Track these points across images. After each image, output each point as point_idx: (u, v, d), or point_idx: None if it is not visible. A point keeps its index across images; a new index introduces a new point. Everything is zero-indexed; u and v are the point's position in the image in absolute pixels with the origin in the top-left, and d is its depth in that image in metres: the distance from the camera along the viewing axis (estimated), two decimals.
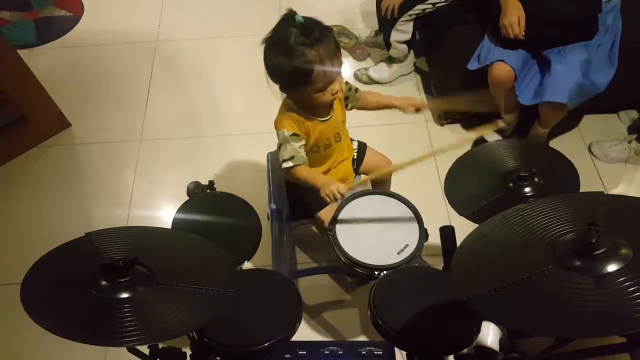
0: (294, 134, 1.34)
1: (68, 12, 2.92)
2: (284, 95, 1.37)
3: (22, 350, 1.78)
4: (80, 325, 0.84)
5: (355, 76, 2.53)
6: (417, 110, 1.47)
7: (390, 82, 2.49)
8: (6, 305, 1.81)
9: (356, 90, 1.50)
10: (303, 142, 1.37)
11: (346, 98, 1.48)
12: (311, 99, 1.30)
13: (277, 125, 1.38)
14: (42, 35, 2.80)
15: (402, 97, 1.50)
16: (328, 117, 1.40)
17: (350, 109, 1.51)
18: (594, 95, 1.86)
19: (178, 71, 2.63)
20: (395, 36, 2.26)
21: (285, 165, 1.34)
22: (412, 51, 2.39)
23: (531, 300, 0.78)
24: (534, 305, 0.78)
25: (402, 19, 2.17)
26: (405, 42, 2.29)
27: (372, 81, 2.50)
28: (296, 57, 1.20)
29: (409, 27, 2.22)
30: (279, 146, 1.37)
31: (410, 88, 2.48)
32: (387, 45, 2.33)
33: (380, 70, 2.48)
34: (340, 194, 1.23)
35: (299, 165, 1.34)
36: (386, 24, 2.26)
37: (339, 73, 1.28)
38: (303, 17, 1.22)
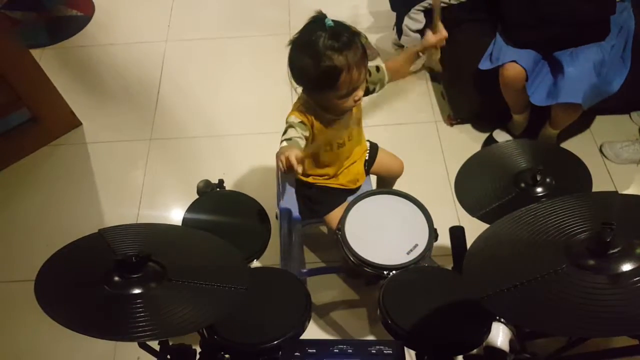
0: (301, 122, 1.32)
1: (79, 12, 2.94)
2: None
3: (28, 348, 1.78)
4: (93, 320, 0.85)
5: None
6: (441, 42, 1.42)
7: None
8: (13, 302, 1.83)
9: (378, 69, 1.42)
10: (307, 134, 1.32)
11: (370, 89, 1.42)
12: (333, 104, 1.28)
13: (289, 114, 1.35)
14: (54, 35, 2.82)
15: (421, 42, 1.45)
16: (343, 117, 1.38)
17: (379, 90, 1.45)
18: (608, 96, 1.85)
19: (188, 71, 2.65)
20: (407, 22, 2.26)
21: (282, 144, 1.28)
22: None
23: (545, 300, 0.78)
24: (547, 304, 0.77)
25: (416, 7, 2.17)
26: (418, 32, 2.27)
27: None
28: (323, 62, 1.17)
29: (422, 16, 2.22)
30: (285, 128, 1.33)
31: (421, 87, 2.48)
32: (399, 31, 2.32)
33: None
34: (288, 163, 1.12)
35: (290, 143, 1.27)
36: (400, 10, 2.25)
37: (364, 80, 1.26)
38: (333, 21, 1.19)
